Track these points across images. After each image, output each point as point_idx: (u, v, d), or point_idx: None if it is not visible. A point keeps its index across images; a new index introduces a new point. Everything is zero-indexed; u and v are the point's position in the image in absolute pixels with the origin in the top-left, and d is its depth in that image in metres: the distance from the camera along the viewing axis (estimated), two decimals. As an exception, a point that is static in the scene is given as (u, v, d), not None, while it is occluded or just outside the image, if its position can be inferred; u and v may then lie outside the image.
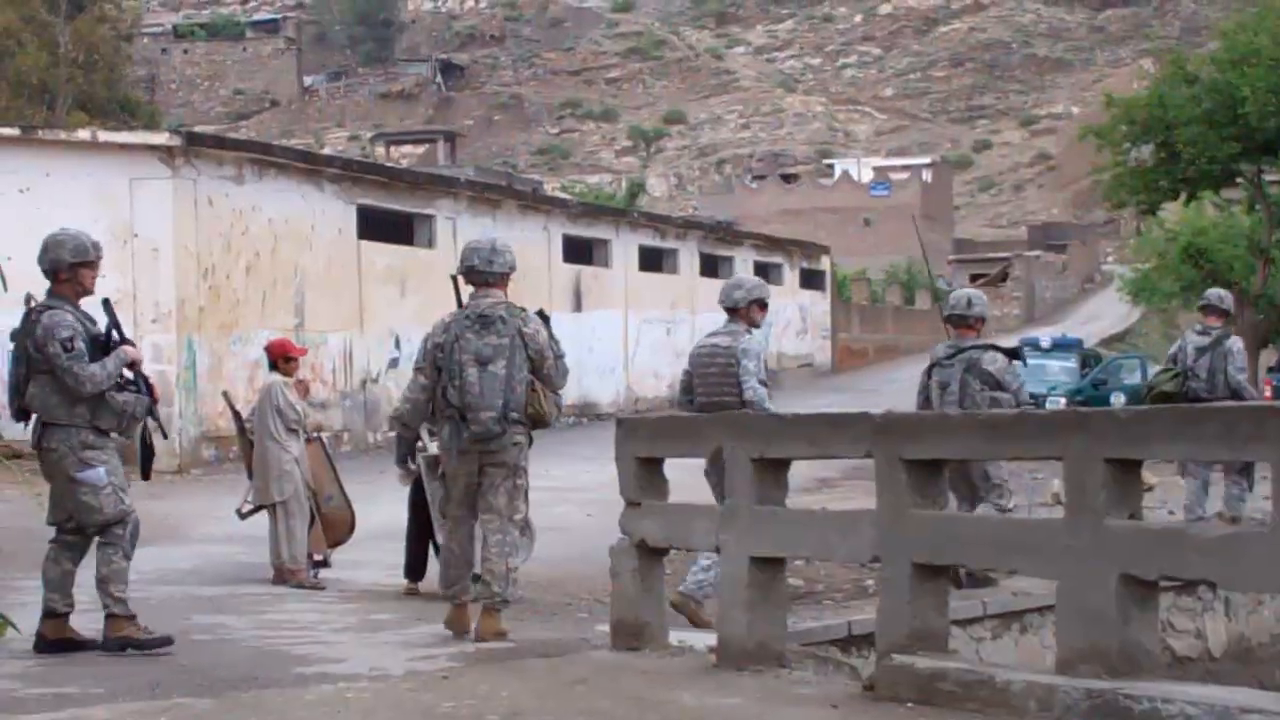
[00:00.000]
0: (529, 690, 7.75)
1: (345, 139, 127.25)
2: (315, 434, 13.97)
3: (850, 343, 59.37)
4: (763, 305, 11.90)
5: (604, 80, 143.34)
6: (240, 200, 26.77)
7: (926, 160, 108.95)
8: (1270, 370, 36.46)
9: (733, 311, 11.67)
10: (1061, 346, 38.64)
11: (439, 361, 9.70)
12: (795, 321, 51.76)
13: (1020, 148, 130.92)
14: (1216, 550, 6.26)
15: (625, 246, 41.09)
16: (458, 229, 32.11)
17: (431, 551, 12.17)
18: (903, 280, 77.79)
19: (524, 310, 9.86)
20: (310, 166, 29.99)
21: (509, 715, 7.10)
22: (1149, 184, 39.99)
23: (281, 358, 13.62)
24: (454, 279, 10.29)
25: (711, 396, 11.22)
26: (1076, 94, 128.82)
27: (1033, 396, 31.27)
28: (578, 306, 37.19)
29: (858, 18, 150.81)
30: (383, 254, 30.68)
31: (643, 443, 9.11)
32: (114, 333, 9.19)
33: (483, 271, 9.82)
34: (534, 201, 39.66)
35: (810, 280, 53.86)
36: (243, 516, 13.80)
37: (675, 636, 9.23)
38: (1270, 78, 36.47)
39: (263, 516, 13.32)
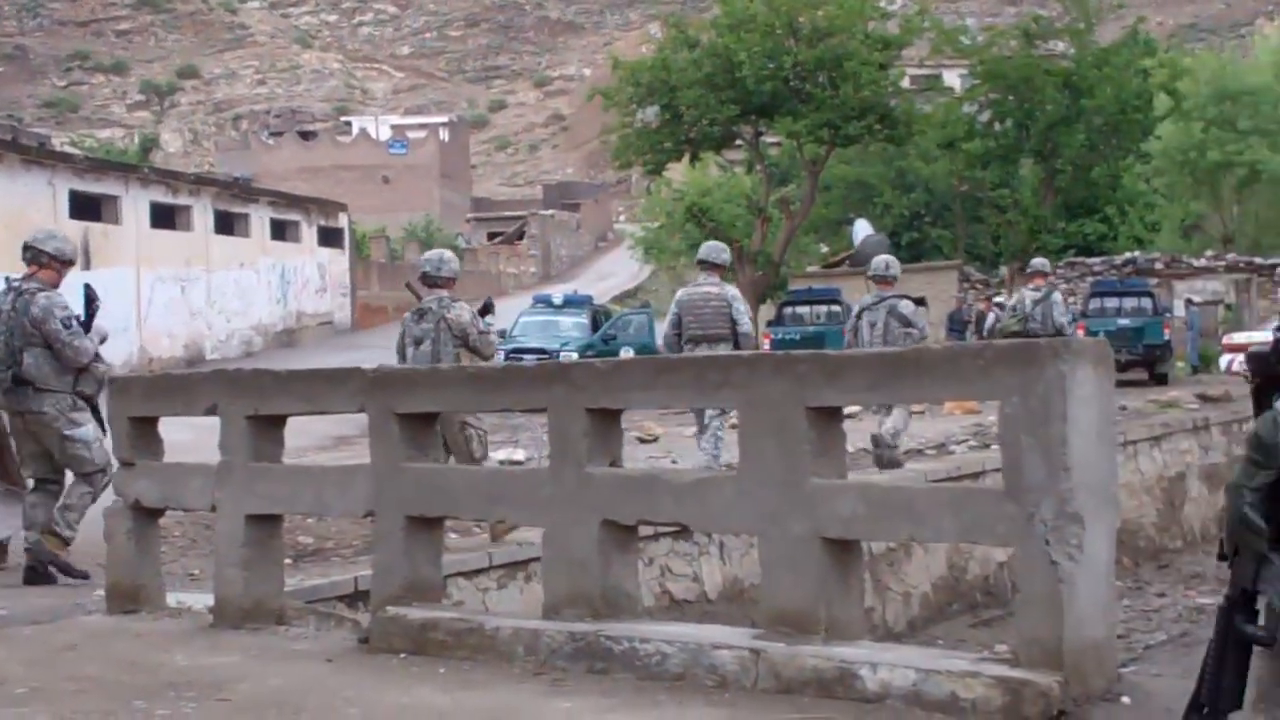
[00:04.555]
0: (16, 659, 7.52)
1: None
2: None
3: (370, 300, 59.09)
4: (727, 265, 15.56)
5: (114, 32, 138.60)
6: None
7: (444, 119, 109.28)
8: (769, 324, 37.98)
9: (716, 267, 15.17)
10: (573, 303, 39.31)
11: (400, 345, 12.45)
12: (314, 279, 51.26)
13: (535, 108, 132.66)
14: (689, 495, 6.56)
15: (136, 203, 39.94)
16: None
17: None
18: (421, 238, 77.89)
19: (455, 302, 12.22)
20: None
21: (-7, 684, 6.90)
22: (654, 145, 41.14)
23: None
24: (408, 285, 13.29)
25: (706, 330, 14.81)
26: (588, 56, 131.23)
27: (545, 352, 31.99)
28: (86, 265, 35.94)
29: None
30: None
31: (136, 401, 8.94)
32: (93, 313, 10.74)
33: (433, 276, 12.29)
34: (38, 156, 38.09)
35: (329, 238, 53.37)
36: None
37: (174, 598, 9.09)
38: (765, 43, 37.98)
39: None
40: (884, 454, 15.91)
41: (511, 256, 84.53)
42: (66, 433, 10.47)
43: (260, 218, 47.46)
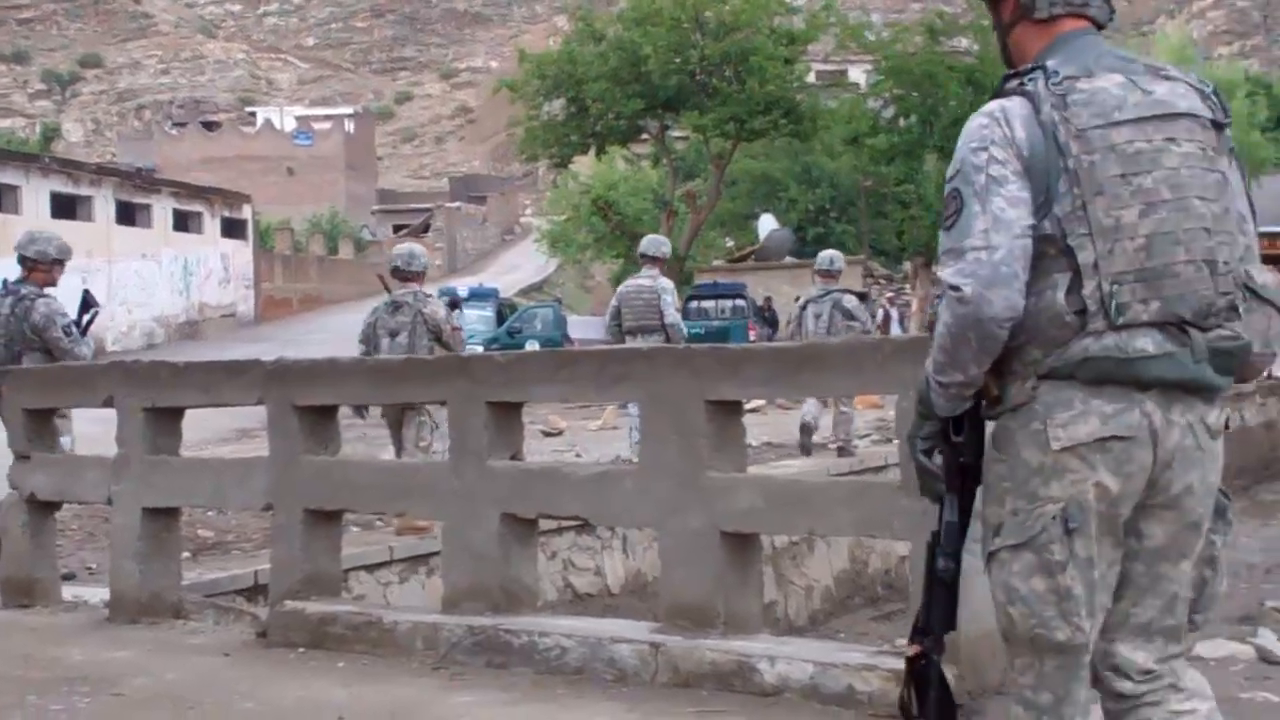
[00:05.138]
0: (-95, 656, 7.43)
1: None
2: None
3: (274, 293, 58.73)
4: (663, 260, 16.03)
5: (15, 20, 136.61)
6: None
7: (349, 111, 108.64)
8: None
9: (656, 260, 15.69)
10: (478, 296, 39.29)
11: (369, 335, 12.55)
12: (217, 271, 50.89)
13: (441, 100, 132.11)
14: (589, 488, 6.57)
15: (36, 193, 39.55)
16: None
17: None
18: (326, 230, 77.41)
19: (429, 296, 12.63)
20: None
21: (-119, 681, 6.79)
22: (561, 138, 41.08)
23: None
24: (380, 277, 13.52)
25: (639, 321, 15.33)
26: (495, 49, 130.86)
27: (449, 345, 31.93)
28: (-17, 256, 35.54)
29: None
30: None
31: (31, 393, 8.85)
32: (90, 319, 10.93)
33: (403, 270, 12.62)
34: (-67, 145, 37.64)
35: (232, 229, 52.98)
36: None
37: (69, 592, 9.01)
38: (671, 37, 38.00)
39: None
40: (807, 442, 16.65)
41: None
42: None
43: (163, 209, 47.05)
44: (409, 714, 5.83)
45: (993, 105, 3.56)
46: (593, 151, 42.59)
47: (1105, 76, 3.52)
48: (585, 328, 40.73)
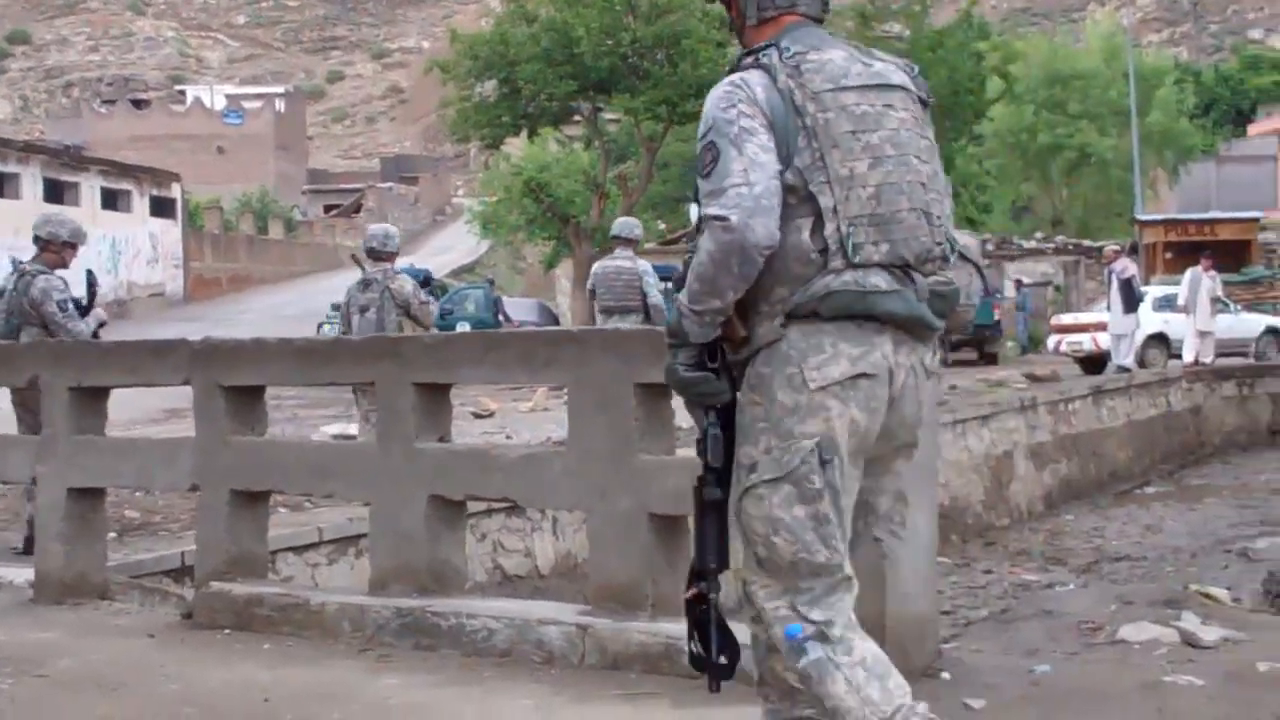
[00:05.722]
0: None
1: None
2: None
3: (203, 272, 58.39)
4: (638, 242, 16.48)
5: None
6: None
7: (280, 90, 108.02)
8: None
9: (630, 242, 16.06)
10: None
11: (345, 314, 13.04)
12: (146, 250, 50.54)
13: (373, 80, 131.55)
14: (518, 470, 6.55)
15: (-38, 170, 39.12)
16: None
17: None
18: (256, 209, 76.95)
19: (397, 273, 13.01)
20: None
21: None
22: (492, 119, 40.97)
23: None
24: (353, 256, 14.09)
25: (619, 301, 15.50)
26: (427, 29, 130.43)
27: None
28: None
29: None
30: None
31: (-46, 373, 8.75)
32: (92, 298, 11.16)
33: (378, 250, 12.99)
34: None
35: (161, 208, 52.62)
36: None
37: (-7, 573, 8.93)
38: (603, 19, 37.95)
39: None
40: None
41: (348, 229, 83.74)
42: None
43: (91, 187, 46.68)
44: (335, 696, 5.81)
45: (733, 77, 3.95)
46: (525, 133, 42.50)
47: (831, 50, 3.96)
48: (521, 309, 40.67)
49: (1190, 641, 6.38)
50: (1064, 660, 6.22)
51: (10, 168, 42.13)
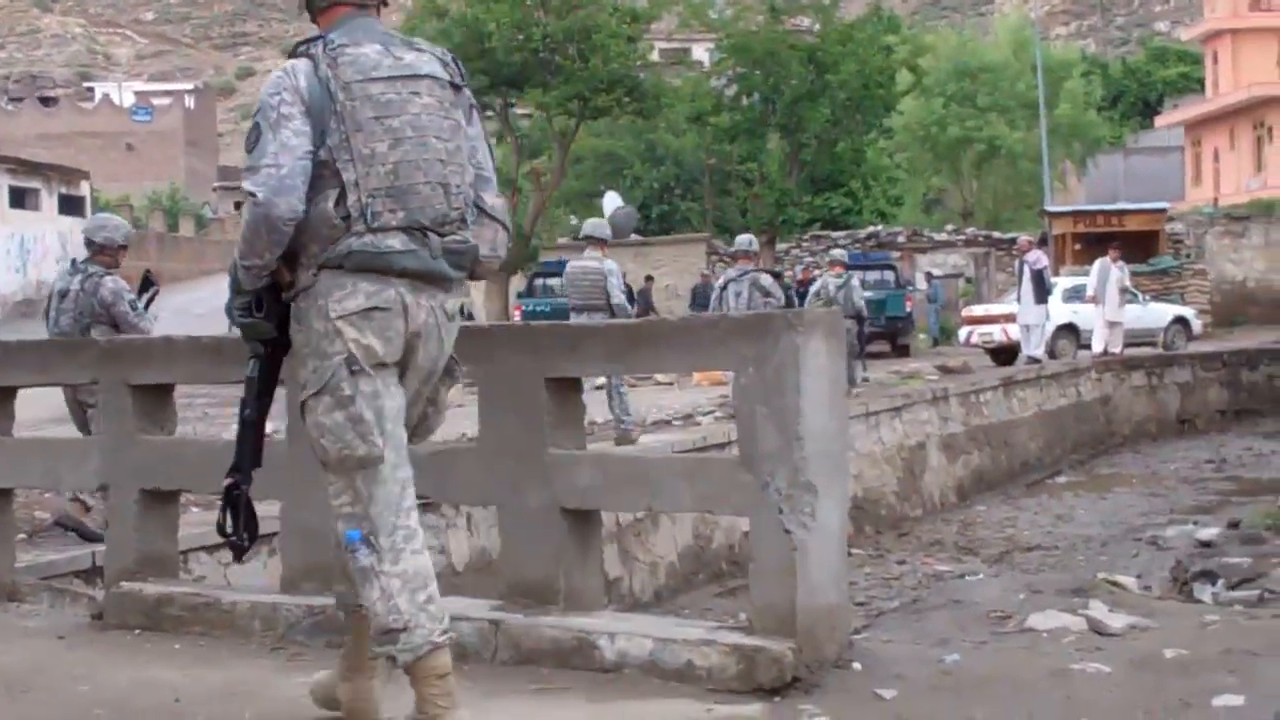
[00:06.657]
0: None
1: None
2: None
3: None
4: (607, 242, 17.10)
5: None
6: None
7: (190, 86, 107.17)
8: (519, 295, 38.01)
9: (600, 242, 16.69)
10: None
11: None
12: (55, 249, 49.94)
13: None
14: (428, 466, 6.50)
15: None
16: None
17: None
18: (166, 207, 76.28)
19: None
20: None
21: None
22: (405, 114, 40.70)
23: None
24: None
25: (585, 300, 16.18)
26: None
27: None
28: None
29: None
30: None
31: None
32: (150, 297, 11.94)
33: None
34: None
35: (70, 206, 52.03)
36: None
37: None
38: (514, 14, 37.83)
39: None
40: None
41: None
42: None
43: (-3, 185, 46.10)
44: (246, 695, 5.78)
45: (285, 64, 4.81)
46: (437, 129, 42.32)
47: (368, 45, 4.78)
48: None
49: (1098, 629, 6.44)
50: (974, 649, 6.27)
51: (-85, 166, 41.66)
